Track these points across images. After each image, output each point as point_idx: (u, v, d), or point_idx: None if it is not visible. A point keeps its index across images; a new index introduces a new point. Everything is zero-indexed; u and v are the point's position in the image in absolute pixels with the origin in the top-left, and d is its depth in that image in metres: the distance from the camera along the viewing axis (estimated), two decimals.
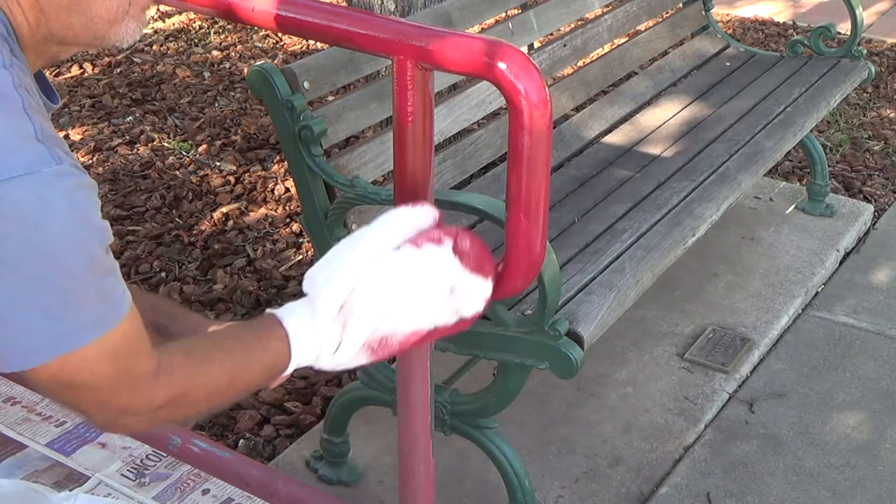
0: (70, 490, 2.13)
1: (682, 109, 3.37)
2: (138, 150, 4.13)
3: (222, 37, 5.35)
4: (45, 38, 1.17)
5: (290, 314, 1.23)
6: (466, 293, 1.27)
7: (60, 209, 1.05)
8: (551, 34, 3.28)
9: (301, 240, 3.50)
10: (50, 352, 1.07)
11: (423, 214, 1.27)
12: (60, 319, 1.06)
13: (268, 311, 1.26)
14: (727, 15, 5.75)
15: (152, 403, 1.15)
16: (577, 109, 3.25)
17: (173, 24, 5.49)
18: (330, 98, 2.72)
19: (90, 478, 2.20)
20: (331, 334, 1.22)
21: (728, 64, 3.69)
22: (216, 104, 4.56)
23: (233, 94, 4.68)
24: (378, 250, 1.23)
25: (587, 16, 3.33)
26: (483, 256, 1.27)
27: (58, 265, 1.05)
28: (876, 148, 4.29)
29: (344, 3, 4.10)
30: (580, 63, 3.36)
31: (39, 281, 1.05)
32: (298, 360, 1.23)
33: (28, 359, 1.08)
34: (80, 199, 1.07)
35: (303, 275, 1.27)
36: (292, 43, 5.25)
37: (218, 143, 4.17)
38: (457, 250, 1.24)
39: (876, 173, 4.09)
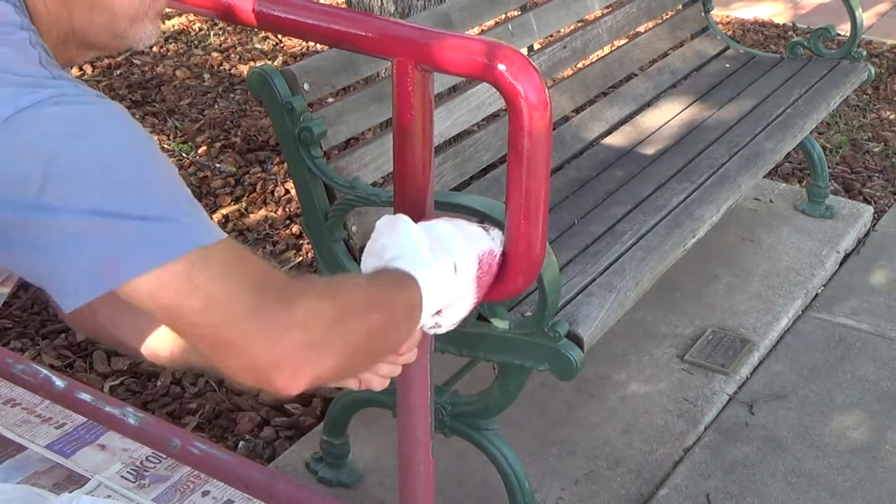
0: (70, 492, 2.13)
1: (682, 111, 3.37)
2: None
3: (222, 38, 5.36)
4: (66, 36, 1.16)
5: (392, 263, 1.23)
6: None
7: (105, 115, 1.01)
8: (551, 36, 3.28)
9: (301, 241, 3.50)
10: (174, 249, 0.99)
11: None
12: (171, 213, 1.00)
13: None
14: (727, 16, 5.75)
15: (317, 319, 1.08)
16: (577, 111, 3.25)
17: (173, 26, 5.49)
18: (330, 100, 2.72)
19: (90, 479, 2.20)
20: (444, 260, 1.24)
21: (728, 65, 3.69)
22: (216, 106, 4.57)
23: (233, 95, 4.69)
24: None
25: (587, 17, 3.33)
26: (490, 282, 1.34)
27: (137, 158, 1.00)
28: (876, 149, 4.29)
29: (344, 5, 4.11)
30: (580, 65, 3.36)
31: (119, 181, 0.98)
32: (429, 295, 1.22)
33: (155, 257, 0.98)
34: (120, 113, 1.04)
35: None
36: (292, 45, 5.25)
37: (218, 144, 4.17)
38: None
39: (876, 175, 4.09)
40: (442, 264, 1.23)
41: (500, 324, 2.12)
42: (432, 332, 1.31)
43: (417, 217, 1.32)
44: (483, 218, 1.98)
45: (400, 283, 1.21)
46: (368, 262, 1.27)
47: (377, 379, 1.30)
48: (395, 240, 1.25)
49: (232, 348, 1.04)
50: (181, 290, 1.01)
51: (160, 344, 1.36)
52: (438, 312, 1.27)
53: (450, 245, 1.25)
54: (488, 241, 1.31)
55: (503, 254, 1.33)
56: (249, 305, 1.03)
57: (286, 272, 1.11)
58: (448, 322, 1.29)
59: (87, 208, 0.97)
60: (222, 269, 1.03)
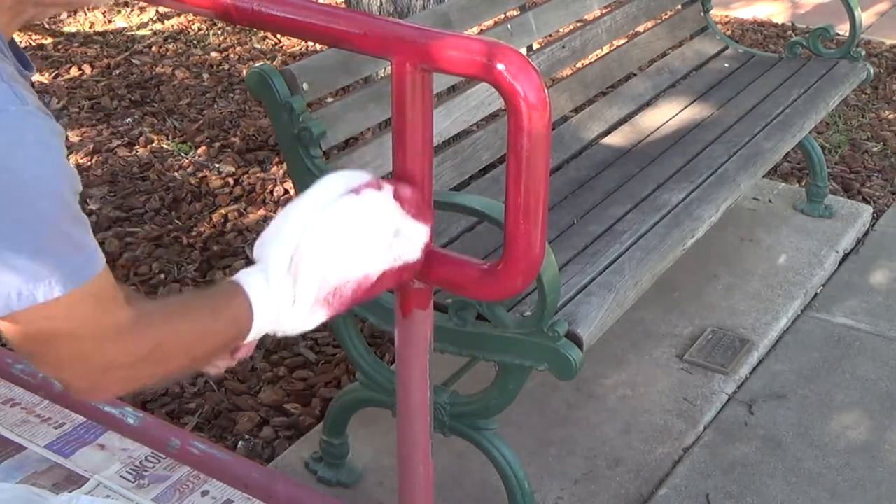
0: (69, 492, 2.13)
1: (682, 111, 3.37)
2: (137, 151, 4.13)
3: (221, 38, 5.36)
4: None
5: (245, 276, 1.25)
6: (407, 237, 1.32)
7: (32, 149, 1.03)
8: (550, 35, 3.28)
9: None
10: (29, 297, 1.04)
11: (359, 175, 1.31)
12: (41, 265, 1.04)
13: (225, 280, 1.28)
14: (726, 16, 5.75)
15: (134, 354, 1.14)
16: (577, 111, 3.25)
17: (172, 26, 5.49)
18: (329, 100, 2.72)
19: (89, 479, 2.20)
20: (285, 289, 1.24)
21: (727, 65, 3.69)
22: (215, 106, 4.56)
23: (232, 95, 4.68)
24: (319, 203, 1.26)
25: (586, 17, 3.33)
26: (422, 203, 1.33)
27: (33, 208, 1.03)
28: (875, 149, 4.30)
29: (343, 5, 4.11)
30: (579, 64, 3.36)
31: (14, 224, 1.02)
32: (261, 320, 1.24)
33: (7, 305, 1.04)
34: (51, 141, 1.05)
35: None
36: (291, 44, 5.25)
37: (217, 144, 4.17)
38: (397, 196, 1.30)
39: (875, 174, 4.09)
40: (282, 293, 1.24)
41: (500, 324, 2.12)
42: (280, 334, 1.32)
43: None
44: (482, 218, 1.99)
45: (228, 306, 1.23)
46: (255, 250, 1.29)
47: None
48: (268, 237, 1.26)
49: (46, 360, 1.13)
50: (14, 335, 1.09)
51: None
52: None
53: (307, 273, 1.25)
54: (369, 266, 1.29)
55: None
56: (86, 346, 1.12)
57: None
58: (287, 330, 1.29)
59: None
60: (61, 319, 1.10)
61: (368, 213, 1.27)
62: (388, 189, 1.29)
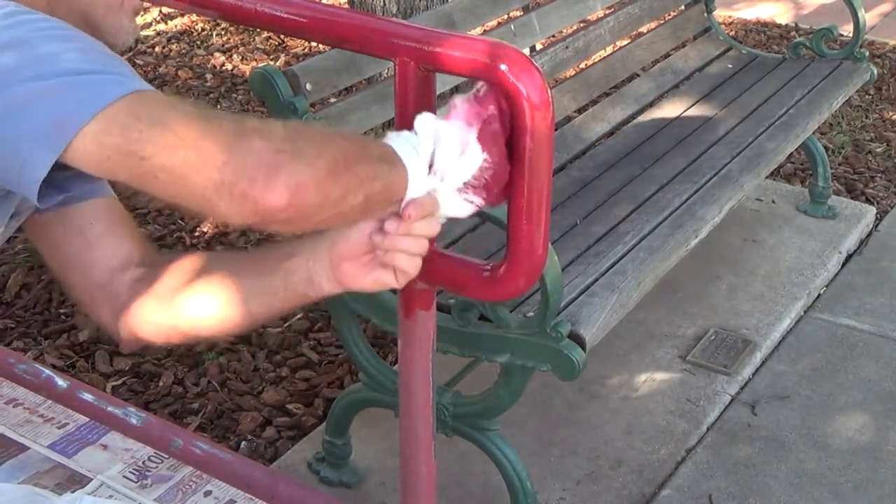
0: (72, 492, 2.13)
1: (685, 111, 3.37)
2: None
3: (224, 38, 5.36)
4: None
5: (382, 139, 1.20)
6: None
7: (34, 10, 1.08)
8: (553, 36, 3.28)
9: None
10: (117, 91, 1.03)
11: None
12: (108, 69, 1.05)
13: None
14: (729, 17, 5.75)
15: (268, 134, 1.06)
16: (580, 111, 3.25)
17: (175, 26, 5.49)
18: (332, 100, 2.72)
19: (92, 479, 2.21)
20: (425, 136, 1.19)
21: (730, 66, 3.69)
22: (219, 106, 4.56)
23: (235, 95, 4.69)
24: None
25: (589, 17, 3.33)
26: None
27: (65, 35, 1.06)
28: (878, 150, 4.29)
29: (346, 5, 4.11)
30: (582, 65, 3.35)
31: (58, 47, 1.05)
32: (412, 160, 1.17)
33: (97, 102, 1.02)
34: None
35: None
36: (294, 45, 5.25)
37: None
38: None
39: (878, 175, 4.09)
40: (406, 133, 1.19)
41: (502, 324, 2.12)
42: (448, 196, 1.22)
43: None
44: (485, 219, 1.99)
45: (366, 138, 1.19)
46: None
47: (402, 258, 1.23)
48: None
49: (194, 171, 1.02)
50: (126, 123, 1.01)
51: (194, 307, 1.31)
52: (432, 167, 1.20)
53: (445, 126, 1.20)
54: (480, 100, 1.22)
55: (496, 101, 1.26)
56: (199, 125, 1.03)
57: None
58: (452, 171, 1.20)
59: (32, 75, 1.01)
60: (164, 104, 1.05)
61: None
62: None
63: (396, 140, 1.19)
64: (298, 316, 3.08)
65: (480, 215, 1.95)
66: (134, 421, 2.25)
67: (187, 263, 1.33)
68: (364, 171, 1.13)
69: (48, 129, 1.01)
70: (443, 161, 1.19)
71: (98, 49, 1.08)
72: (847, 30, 3.76)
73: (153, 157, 1.02)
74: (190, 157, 1.01)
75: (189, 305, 1.31)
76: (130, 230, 1.37)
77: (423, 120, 1.21)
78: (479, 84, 1.23)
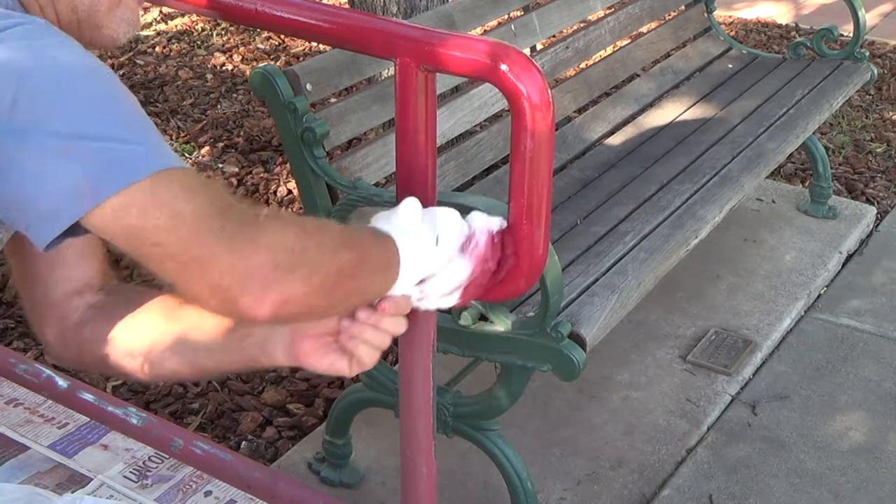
0: (73, 492, 2.13)
1: (685, 111, 3.37)
2: None
3: (225, 38, 5.36)
4: None
5: (375, 221, 1.23)
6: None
7: (73, 46, 1.04)
8: (554, 36, 3.28)
9: None
10: (144, 168, 1.00)
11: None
12: (139, 138, 1.02)
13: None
14: (729, 17, 5.75)
15: (274, 245, 1.06)
16: (580, 111, 3.25)
17: (176, 26, 5.49)
18: (332, 100, 2.72)
19: (92, 480, 2.20)
20: (424, 230, 1.22)
21: (730, 66, 3.69)
22: (219, 106, 4.57)
23: (235, 95, 4.69)
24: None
25: (590, 18, 3.33)
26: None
27: (101, 87, 1.03)
28: (878, 150, 4.29)
29: (346, 5, 4.11)
30: (583, 65, 3.36)
31: (90, 104, 1.01)
32: (407, 254, 1.19)
33: (127, 175, 1.00)
34: (87, 51, 1.06)
35: None
36: (295, 45, 5.25)
37: (220, 144, 4.17)
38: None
39: (878, 175, 4.09)
40: (422, 232, 1.22)
41: (503, 324, 2.12)
42: (422, 305, 1.27)
43: None
44: None
45: (376, 236, 1.19)
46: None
47: (363, 348, 1.28)
48: (391, 211, 1.24)
49: (197, 266, 1.04)
50: (146, 207, 1.01)
51: (141, 342, 1.32)
52: (422, 282, 1.24)
53: (436, 218, 1.24)
54: (485, 220, 1.28)
55: (503, 244, 1.31)
56: (215, 223, 1.03)
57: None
58: (435, 293, 1.25)
59: (61, 131, 0.99)
60: (187, 189, 1.04)
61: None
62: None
63: (407, 241, 1.20)
64: None
65: None
66: (134, 421, 2.24)
67: (148, 303, 1.33)
68: (357, 285, 1.17)
69: (70, 194, 1.00)
70: (433, 289, 1.24)
71: (136, 110, 1.06)
72: (847, 30, 3.76)
73: (165, 246, 1.03)
74: (198, 255, 1.03)
75: (136, 346, 1.32)
76: (101, 256, 1.38)
77: (449, 235, 1.24)
78: (501, 220, 1.29)
